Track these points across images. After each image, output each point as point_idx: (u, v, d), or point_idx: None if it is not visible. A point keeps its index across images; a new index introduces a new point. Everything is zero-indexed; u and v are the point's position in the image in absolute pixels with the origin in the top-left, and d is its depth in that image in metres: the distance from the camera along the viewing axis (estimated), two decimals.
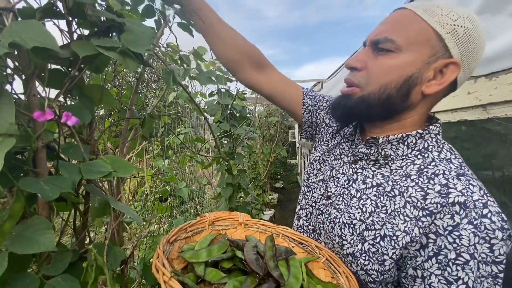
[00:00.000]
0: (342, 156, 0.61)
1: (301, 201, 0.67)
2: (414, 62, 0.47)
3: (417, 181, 0.48)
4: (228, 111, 1.55)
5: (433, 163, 0.49)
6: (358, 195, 0.53)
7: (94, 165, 0.49)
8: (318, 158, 0.67)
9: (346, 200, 0.54)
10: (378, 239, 0.47)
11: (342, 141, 0.64)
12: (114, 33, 0.55)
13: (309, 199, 0.65)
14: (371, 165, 0.55)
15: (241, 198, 1.68)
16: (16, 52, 0.42)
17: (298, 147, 6.83)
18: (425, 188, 0.46)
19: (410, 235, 0.44)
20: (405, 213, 0.46)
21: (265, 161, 4.99)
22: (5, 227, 0.38)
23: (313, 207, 0.63)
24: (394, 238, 0.46)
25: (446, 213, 0.43)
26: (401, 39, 0.47)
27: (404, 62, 0.48)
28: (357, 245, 0.50)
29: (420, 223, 0.44)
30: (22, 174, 0.44)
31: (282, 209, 5.35)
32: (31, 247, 0.39)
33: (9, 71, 0.45)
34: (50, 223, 0.41)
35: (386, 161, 0.53)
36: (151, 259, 1.11)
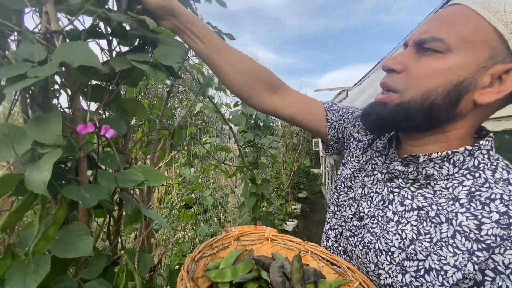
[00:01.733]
0: (375, 173, 0.56)
1: (331, 220, 0.62)
2: (467, 65, 0.41)
3: (468, 206, 0.42)
4: (252, 121, 1.57)
5: (486, 185, 0.42)
6: (396, 218, 0.48)
7: (128, 174, 0.52)
8: (349, 176, 0.62)
9: (382, 224, 0.50)
10: (422, 272, 0.42)
11: (374, 155, 0.59)
12: (149, 48, 0.59)
13: (339, 218, 0.60)
14: (409, 185, 0.49)
15: (263, 208, 1.67)
16: (63, 70, 0.46)
17: (321, 156, 6.70)
18: (479, 216, 0.40)
19: (463, 271, 0.39)
20: (454, 245, 0.41)
21: (288, 170, 4.94)
22: (49, 232, 0.41)
23: (343, 227, 0.58)
24: (442, 273, 0.40)
25: (508, 247, 0.37)
26: (452, 39, 0.41)
27: (454, 65, 0.41)
28: (396, 276, 0.45)
29: (474, 258, 0.39)
30: (65, 182, 0.47)
31: (305, 220, 5.23)
32: (70, 252, 0.41)
33: (56, 87, 0.49)
34: (89, 229, 0.44)
35: (428, 181, 0.47)
36: (176, 266, 1.13)
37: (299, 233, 4.57)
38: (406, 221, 0.47)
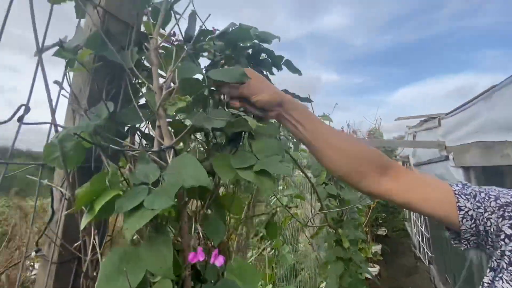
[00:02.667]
0: None
1: None
2: None
3: None
4: None
5: None
6: None
7: (228, 284, 0.48)
8: None
9: None
10: None
11: None
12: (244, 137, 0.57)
13: None
14: None
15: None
16: None
17: None
18: None
19: None
20: None
21: (365, 207, 4.45)
22: None
23: None
24: None
25: None
26: None
27: None
28: None
29: None
30: None
31: (388, 265, 4.53)
32: None
33: None
34: None
35: None
36: None
37: (382, 281, 3.94)
38: None
